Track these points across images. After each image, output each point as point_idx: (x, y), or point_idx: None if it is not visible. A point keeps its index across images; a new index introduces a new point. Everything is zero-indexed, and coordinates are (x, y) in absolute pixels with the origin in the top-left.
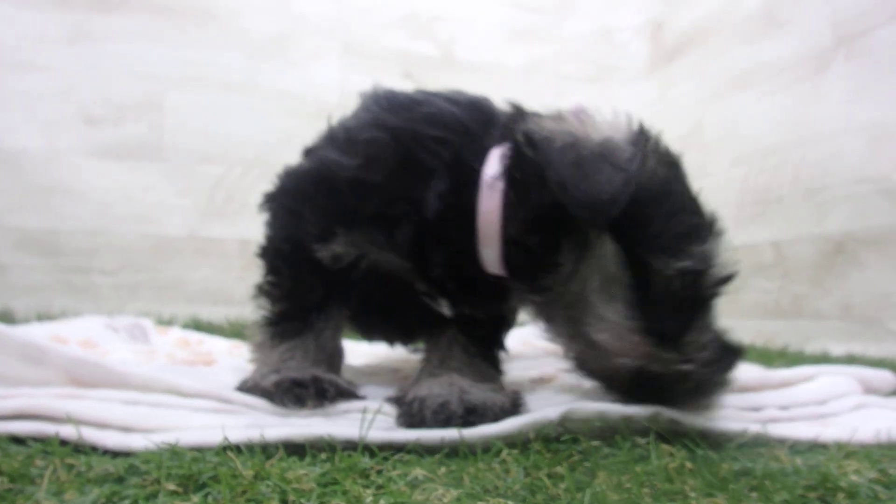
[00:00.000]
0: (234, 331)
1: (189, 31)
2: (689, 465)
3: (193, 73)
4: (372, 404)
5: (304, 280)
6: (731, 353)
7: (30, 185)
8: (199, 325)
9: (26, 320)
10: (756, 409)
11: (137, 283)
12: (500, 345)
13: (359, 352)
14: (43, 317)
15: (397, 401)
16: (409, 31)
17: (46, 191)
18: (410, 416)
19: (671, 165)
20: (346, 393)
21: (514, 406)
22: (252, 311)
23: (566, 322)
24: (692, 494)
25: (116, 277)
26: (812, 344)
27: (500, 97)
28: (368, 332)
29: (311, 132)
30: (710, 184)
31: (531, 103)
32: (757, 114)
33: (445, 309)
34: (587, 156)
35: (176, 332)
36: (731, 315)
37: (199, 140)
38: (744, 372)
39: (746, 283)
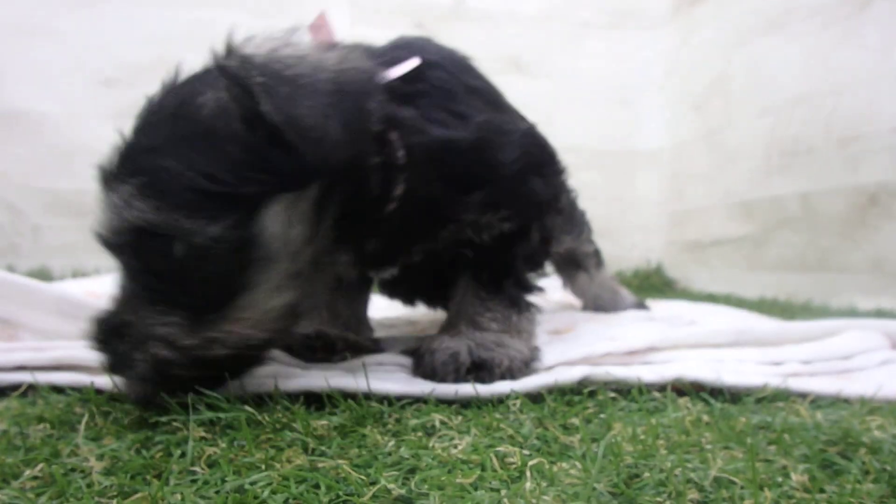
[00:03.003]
0: None
1: None
2: (705, 417)
3: (201, 32)
4: (388, 357)
5: None
6: None
7: (54, 149)
8: None
9: (62, 278)
10: (776, 363)
11: None
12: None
13: (377, 305)
14: (78, 274)
15: (413, 353)
16: None
17: (69, 154)
18: (422, 367)
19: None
20: (358, 346)
21: (528, 361)
22: None
23: None
24: (708, 447)
25: None
26: (838, 299)
27: (514, 47)
28: (389, 293)
29: None
30: (735, 135)
31: (547, 52)
32: (787, 60)
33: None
34: None
35: None
36: (753, 268)
37: None
38: (762, 325)
39: (771, 236)
